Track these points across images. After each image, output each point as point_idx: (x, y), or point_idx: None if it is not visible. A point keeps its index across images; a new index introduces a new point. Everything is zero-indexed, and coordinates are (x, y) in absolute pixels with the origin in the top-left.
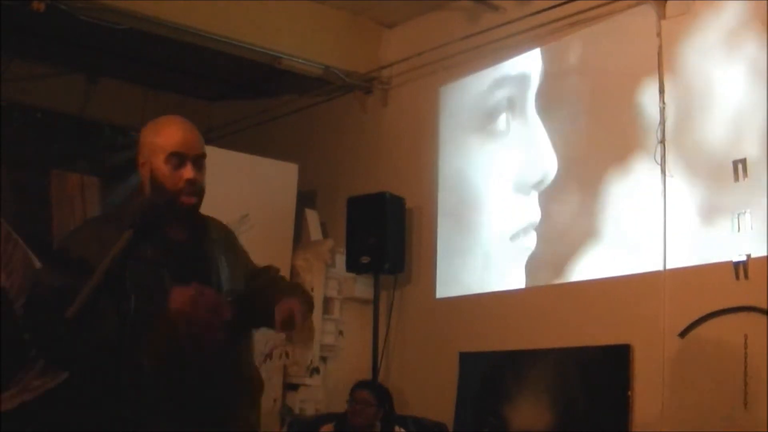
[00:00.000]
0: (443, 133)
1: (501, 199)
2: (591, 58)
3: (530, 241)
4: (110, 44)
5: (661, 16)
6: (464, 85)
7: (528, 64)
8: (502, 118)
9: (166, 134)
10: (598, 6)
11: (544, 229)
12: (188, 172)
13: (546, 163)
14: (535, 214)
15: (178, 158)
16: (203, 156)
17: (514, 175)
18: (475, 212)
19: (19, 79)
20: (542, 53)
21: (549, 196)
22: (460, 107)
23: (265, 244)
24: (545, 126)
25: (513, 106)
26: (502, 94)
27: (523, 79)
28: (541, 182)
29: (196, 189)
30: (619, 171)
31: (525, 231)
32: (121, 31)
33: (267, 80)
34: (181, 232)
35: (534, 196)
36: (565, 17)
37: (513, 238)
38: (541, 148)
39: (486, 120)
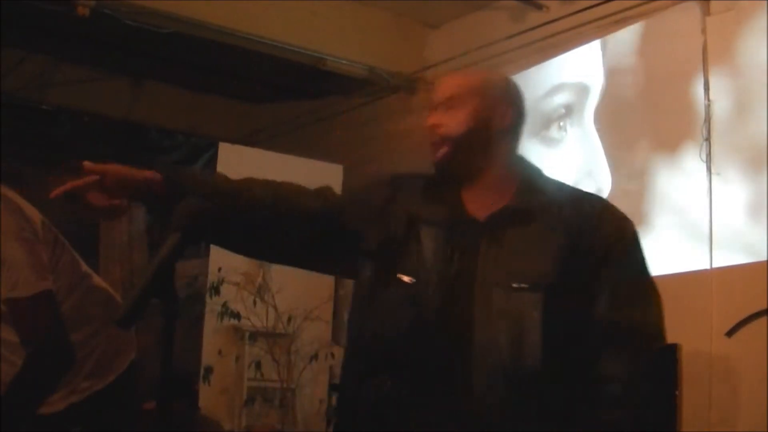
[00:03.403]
0: None
1: None
2: (636, 56)
3: None
4: (155, 48)
5: (706, 12)
6: None
7: (588, 73)
8: (556, 126)
9: None
10: (643, 4)
11: None
12: (429, 120)
13: (601, 177)
14: None
15: (430, 111)
16: (450, 98)
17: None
18: None
19: (66, 83)
20: (586, 52)
21: None
22: None
23: None
24: (600, 134)
25: (570, 114)
26: (559, 100)
27: (582, 88)
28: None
29: (438, 136)
30: (667, 169)
31: None
32: (166, 35)
33: (312, 82)
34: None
35: None
36: (609, 15)
37: None
38: (598, 161)
39: (537, 126)
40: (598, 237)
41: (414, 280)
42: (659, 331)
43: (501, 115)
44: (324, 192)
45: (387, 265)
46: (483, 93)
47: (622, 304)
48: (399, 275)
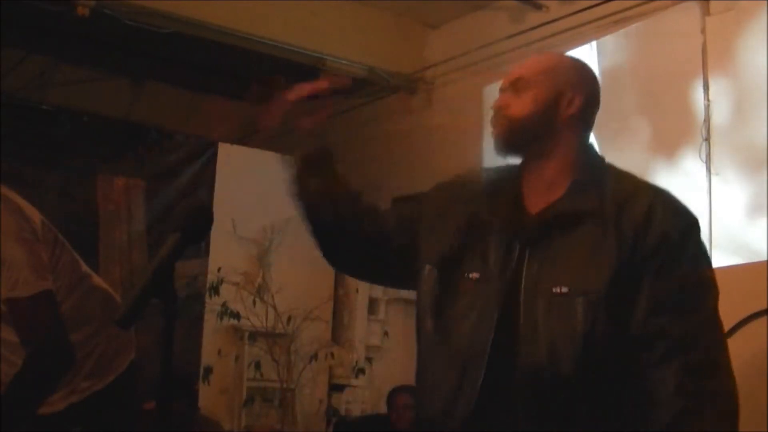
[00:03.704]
0: (488, 133)
1: None
2: (636, 56)
3: None
4: (155, 48)
5: (706, 12)
6: None
7: (596, 70)
8: None
9: None
10: (642, 4)
11: None
12: (495, 102)
13: None
14: None
15: (499, 93)
16: (518, 80)
17: None
18: None
19: (66, 84)
20: (586, 51)
21: None
22: None
23: (310, 245)
24: (599, 134)
25: None
26: None
27: None
28: None
29: (498, 116)
30: (667, 169)
31: None
32: (166, 35)
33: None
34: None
35: None
36: (609, 15)
37: None
38: None
39: None
40: (644, 237)
41: (478, 277)
42: (710, 342)
43: (568, 102)
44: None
45: (453, 266)
46: (552, 77)
47: (667, 312)
48: (467, 273)
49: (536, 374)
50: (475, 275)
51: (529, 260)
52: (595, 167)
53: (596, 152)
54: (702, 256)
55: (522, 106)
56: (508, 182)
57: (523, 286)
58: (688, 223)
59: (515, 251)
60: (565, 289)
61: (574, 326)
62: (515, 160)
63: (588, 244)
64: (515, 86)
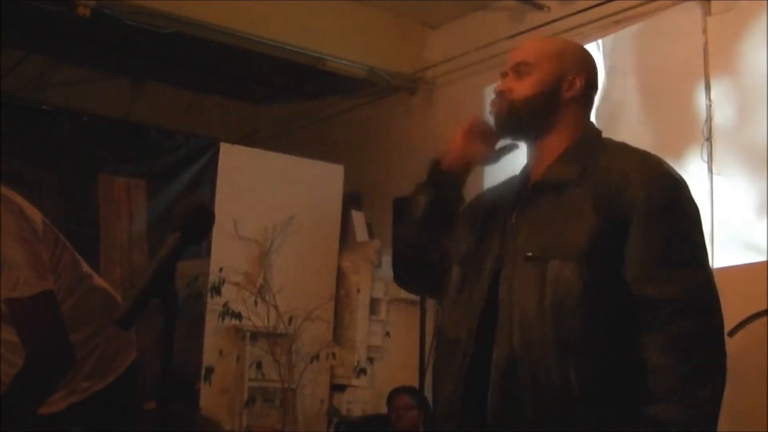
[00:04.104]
0: None
1: None
2: (637, 57)
3: None
4: (155, 48)
5: (707, 12)
6: None
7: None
8: None
9: None
10: (643, 4)
11: None
12: (498, 85)
13: None
14: None
15: (501, 77)
16: (521, 63)
17: None
18: None
19: (66, 84)
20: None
21: None
22: None
23: (311, 245)
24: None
25: None
26: None
27: None
28: None
29: (501, 97)
30: None
31: None
32: (166, 35)
33: (312, 82)
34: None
35: None
36: (609, 15)
37: None
38: None
39: None
40: (631, 200)
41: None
42: (701, 307)
43: (569, 84)
44: None
45: (473, 261)
46: (553, 60)
47: (655, 276)
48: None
49: (511, 337)
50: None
51: (516, 228)
52: (588, 139)
53: (594, 127)
54: (692, 220)
55: (524, 89)
56: (523, 171)
57: (510, 254)
58: (669, 182)
59: (509, 223)
60: (539, 253)
61: (547, 290)
62: (511, 139)
63: (569, 208)
64: (517, 70)
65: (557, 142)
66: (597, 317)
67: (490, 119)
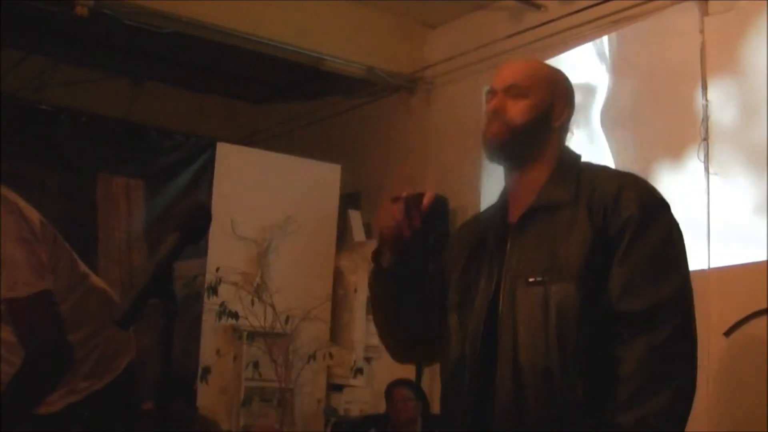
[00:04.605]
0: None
1: None
2: (635, 57)
3: None
4: (155, 48)
5: (704, 12)
6: None
7: (593, 72)
8: None
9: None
10: (641, 4)
11: None
12: (490, 104)
13: None
14: None
15: (490, 95)
16: (514, 86)
17: None
18: None
19: (66, 84)
20: (590, 51)
21: None
22: None
23: (309, 245)
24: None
25: (577, 115)
26: None
27: (588, 89)
28: None
29: (496, 118)
30: (667, 170)
31: None
32: (166, 35)
33: (311, 82)
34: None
35: None
36: (608, 15)
37: None
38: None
39: None
40: (618, 218)
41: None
42: (674, 314)
43: (559, 112)
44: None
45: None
46: (546, 87)
47: (633, 289)
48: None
49: (512, 364)
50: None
51: (513, 251)
52: (570, 164)
53: (572, 151)
54: (669, 238)
55: (520, 111)
56: (501, 200)
57: (509, 277)
58: (656, 205)
59: (504, 246)
60: (539, 278)
61: (548, 312)
62: (501, 164)
63: (565, 228)
64: (510, 92)
65: (541, 168)
66: (594, 332)
67: (486, 139)
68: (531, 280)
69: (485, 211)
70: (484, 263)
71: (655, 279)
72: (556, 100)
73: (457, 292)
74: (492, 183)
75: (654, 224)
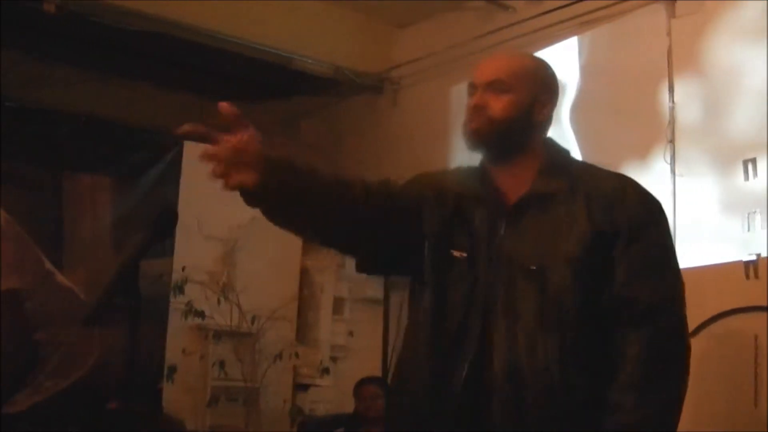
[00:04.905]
0: (454, 133)
1: None
2: (602, 59)
3: None
4: (123, 45)
5: (671, 15)
6: None
7: (563, 71)
8: None
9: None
10: (610, 5)
11: None
12: (472, 99)
13: None
14: None
15: (471, 89)
16: (497, 81)
17: None
18: None
19: (32, 80)
20: (561, 50)
21: None
22: None
23: (275, 244)
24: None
25: None
26: None
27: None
28: None
29: (478, 114)
30: (634, 171)
31: None
32: (134, 32)
33: (280, 81)
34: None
35: None
36: (576, 17)
37: None
38: None
39: None
40: (622, 215)
41: (465, 255)
42: (674, 310)
43: (542, 105)
44: (386, 181)
45: (443, 244)
46: (528, 81)
47: (637, 281)
48: (453, 251)
49: (513, 353)
50: (462, 254)
51: (507, 239)
52: (560, 155)
53: (559, 145)
54: (669, 237)
55: (502, 107)
56: (485, 176)
57: (502, 263)
58: (657, 204)
59: (497, 231)
60: (536, 265)
61: (547, 299)
62: (482, 156)
63: (562, 219)
64: (492, 86)
65: (528, 160)
66: (593, 325)
67: (465, 133)
68: (533, 268)
69: (450, 174)
70: (463, 236)
71: (657, 274)
72: (540, 93)
73: (432, 258)
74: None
75: (658, 222)
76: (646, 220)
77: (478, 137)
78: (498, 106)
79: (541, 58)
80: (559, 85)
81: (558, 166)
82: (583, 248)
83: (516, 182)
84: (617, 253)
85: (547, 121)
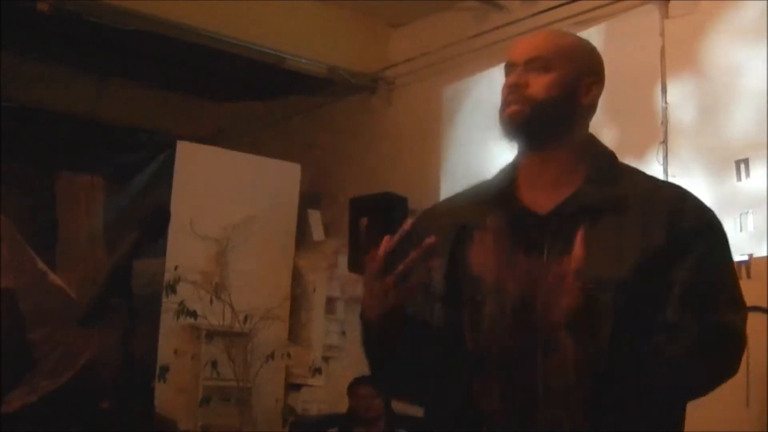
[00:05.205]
0: (448, 133)
1: None
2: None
3: None
4: (119, 45)
5: (665, 15)
6: (470, 84)
7: None
8: None
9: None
10: (603, 5)
11: None
12: (510, 78)
13: None
14: None
15: (508, 69)
16: (537, 58)
17: None
18: None
19: (29, 80)
20: None
21: None
22: (466, 107)
23: (268, 244)
24: None
25: None
26: None
27: None
28: None
29: (518, 95)
30: None
31: None
32: (130, 32)
33: (274, 81)
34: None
35: None
36: (570, 17)
37: None
38: None
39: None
40: (677, 225)
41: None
42: (741, 329)
43: (587, 88)
44: None
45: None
46: (572, 60)
47: (700, 301)
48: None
49: (559, 376)
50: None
51: (548, 259)
52: (608, 161)
53: (605, 146)
54: (729, 247)
55: (544, 87)
56: (500, 188)
57: (544, 285)
58: (715, 216)
59: (527, 252)
60: (592, 285)
61: (600, 322)
62: (518, 145)
63: (612, 237)
64: (532, 65)
65: (565, 153)
66: (627, 341)
67: (504, 117)
68: (592, 287)
69: (463, 196)
70: (498, 255)
71: (726, 289)
72: (585, 74)
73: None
74: (452, 184)
75: (719, 237)
76: (710, 235)
77: (517, 122)
78: (539, 84)
79: (583, 38)
80: (603, 68)
81: (605, 173)
82: (634, 266)
83: (548, 179)
84: (677, 272)
85: (592, 108)
